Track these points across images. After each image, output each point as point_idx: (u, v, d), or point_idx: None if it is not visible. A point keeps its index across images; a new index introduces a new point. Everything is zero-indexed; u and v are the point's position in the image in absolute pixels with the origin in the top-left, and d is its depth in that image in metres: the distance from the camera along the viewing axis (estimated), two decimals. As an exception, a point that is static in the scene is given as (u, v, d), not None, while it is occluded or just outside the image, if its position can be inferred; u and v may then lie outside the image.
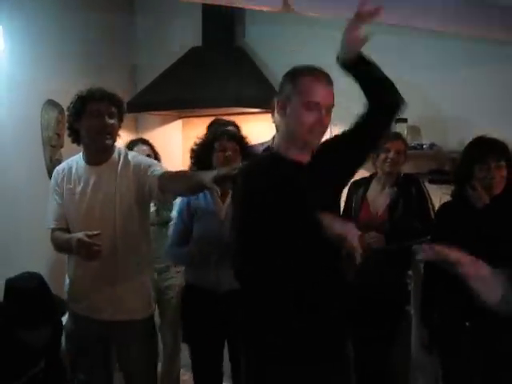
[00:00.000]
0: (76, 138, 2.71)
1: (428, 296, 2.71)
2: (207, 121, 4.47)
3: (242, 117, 4.67)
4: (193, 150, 3.05)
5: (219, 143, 2.88)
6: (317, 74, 1.95)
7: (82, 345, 2.73)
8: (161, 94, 4.81)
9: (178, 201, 3.16)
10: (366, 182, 3.41)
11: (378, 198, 3.29)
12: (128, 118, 5.19)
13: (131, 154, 2.76)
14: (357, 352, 3.16)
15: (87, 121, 2.60)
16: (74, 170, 2.72)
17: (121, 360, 2.82)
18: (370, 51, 4.18)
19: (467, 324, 2.51)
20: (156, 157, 3.73)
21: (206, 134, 3.07)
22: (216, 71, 4.62)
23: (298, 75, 1.97)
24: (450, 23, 3.25)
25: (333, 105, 1.96)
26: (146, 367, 2.76)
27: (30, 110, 4.17)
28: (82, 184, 2.66)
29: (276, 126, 3.14)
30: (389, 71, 4.18)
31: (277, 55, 4.69)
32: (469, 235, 2.50)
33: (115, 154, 2.70)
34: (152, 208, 3.29)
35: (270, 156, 2.13)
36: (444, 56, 4.06)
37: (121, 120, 2.69)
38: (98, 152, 2.66)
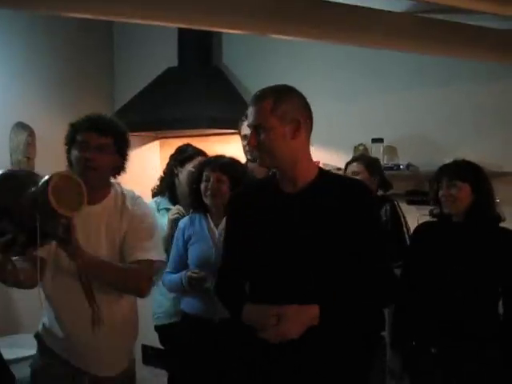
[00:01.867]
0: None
1: (399, 322, 2.68)
2: (184, 141, 4.43)
3: (219, 137, 4.64)
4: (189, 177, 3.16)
5: (205, 173, 2.89)
6: (252, 96, 1.94)
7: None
8: (136, 114, 4.76)
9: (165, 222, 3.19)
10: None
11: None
12: (104, 139, 5.25)
13: (131, 200, 2.38)
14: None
15: (74, 152, 2.29)
16: None
17: None
18: (345, 71, 4.28)
19: (433, 350, 2.49)
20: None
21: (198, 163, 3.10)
22: (192, 91, 4.59)
23: None
24: (424, 43, 3.24)
25: (259, 123, 1.86)
26: None
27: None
28: (79, 225, 2.15)
29: (245, 152, 3.32)
30: (364, 91, 4.28)
31: (255, 76, 4.68)
32: (447, 251, 2.51)
33: (112, 194, 2.35)
34: None
35: (268, 180, 2.11)
36: (420, 75, 4.06)
37: (121, 154, 2.35)
38: (92, 189, 2.15)
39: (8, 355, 2.89)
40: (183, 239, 2.93)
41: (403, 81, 4.12)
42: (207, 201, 2.86)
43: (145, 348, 4.34)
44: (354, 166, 3.30)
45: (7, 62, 4.37)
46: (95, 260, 2.20)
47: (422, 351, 2.53)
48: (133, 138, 5.06)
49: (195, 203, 2.95)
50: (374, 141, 4.04)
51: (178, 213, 3.20)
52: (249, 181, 2.86)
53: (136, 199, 2.40)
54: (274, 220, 1.90)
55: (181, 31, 4.79)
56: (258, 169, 3.35)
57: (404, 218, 3.24)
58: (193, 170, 3.23)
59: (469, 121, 3.88)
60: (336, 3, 3.02)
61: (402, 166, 3.96)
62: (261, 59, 4.68)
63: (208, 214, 2.91)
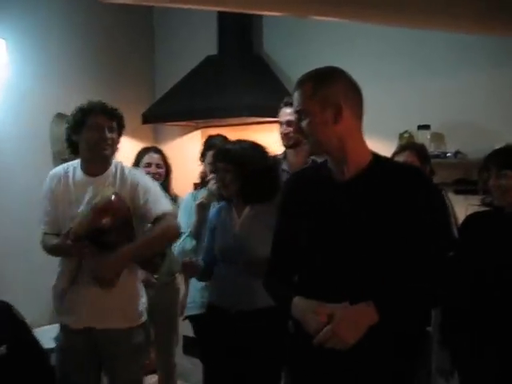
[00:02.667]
0: (74, 150, 2.76)
1: (449, 319, 2.54)
2: (225, 130, 4.39)
3: (260, 126, 4.57)
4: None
5: (215, 164, 2.89)
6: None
7: (74, 359, 2.73)
8: (176, 104, 4.75)
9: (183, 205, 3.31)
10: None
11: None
12: (146, 129, 5.28)
13: (128, 170, 2.82)
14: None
15: (87, 133, 2.67)
16: (70, 177, 2.74)
17: (109, 372, 2.83)
18: (389, 56, 4.15)
19: (486, 348, 2.34)
20: (167, 168, 3.66)
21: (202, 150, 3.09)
22: (232, 80, 4.53)
23: None
24: (471, 21, 3.10)
25: (301, 109, 1.80)
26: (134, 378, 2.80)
27: (39, 124, 4.16)
28: (78, 193, 2.68)
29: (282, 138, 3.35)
30: (408, 77, 4.14)
31: (296, 64, 4.59)
32: (500, 245, 2.36)
33: (112, 167, 2.76)
34: None
35: (318, 166, 2.00)
36: (467, 57, 3.89)
37: (120, 134, 2.78)
38: (97, 164, 2.73)
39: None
40: (210, 228, 2.93)
41: (449, 64, 3.96)
42: (221, 191, 2.86)
43: (185, 338, 4.33)
44: (406, 156, 3.11)
45: (45, 51, 4.39)
46: (133, 251, 2.63)
47: (475, 349, 2.40)
48: (174, 127, 5.25)
49: (219, 194, 2.94)
50: (420, 127, 3.90)
51: (203, 198, 3.24)
52: (278, 166, 2.99)
53: (131, 169, 2.87)
54: (325, 211, 1.82)
55: (220, 19, 4.74)
56: (295, 155, 3.30)
57: (452, 208, 3.11)
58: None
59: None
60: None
61: (449, 154, 3.82)
62: (302, 46, 4.58)
63: (232, 204, 2.87)
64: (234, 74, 4.61)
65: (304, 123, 1.78)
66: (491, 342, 2.35)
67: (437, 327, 2.65)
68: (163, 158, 3.72)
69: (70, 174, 2.75)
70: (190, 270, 2.88)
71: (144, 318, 2.82)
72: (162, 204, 2.76)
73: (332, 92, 1.77)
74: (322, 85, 1.77)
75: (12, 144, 4.10)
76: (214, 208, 3.10)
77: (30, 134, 4.18)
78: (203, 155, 3.56)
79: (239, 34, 4.77)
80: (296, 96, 1.81)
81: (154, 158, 3.66)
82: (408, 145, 3.27)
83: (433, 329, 2.91)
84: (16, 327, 2.73)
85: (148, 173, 3.51)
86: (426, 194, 1.79)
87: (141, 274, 3.18)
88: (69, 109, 2.91)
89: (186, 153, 5.18)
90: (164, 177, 3.69)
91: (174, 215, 2.94)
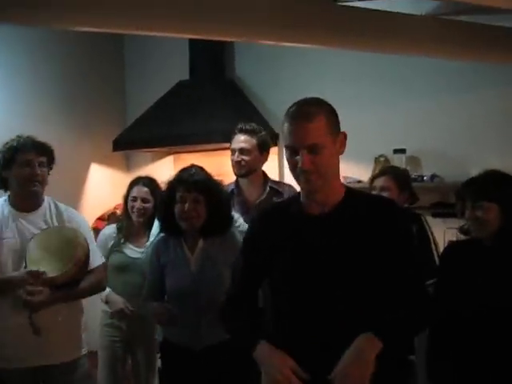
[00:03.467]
0: (3, 186, 2.76)
1: (436, 347, 2.42)
2: (198, 156, 4.30)
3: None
4: (160, 197, 2.87)
5: (178, 194, 2.62)
6: (291, 114, 1.73)
7: None
8: (148, 130, 4.68)
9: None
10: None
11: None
12: (118, 155, 5.18)
13: (64, 208, 2.84)
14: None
15: (17, 169, 2.67)
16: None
17: None
18: (363, 80, 4.14)
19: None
20: (155, 201, 3.42)
21: (169, 182, 2.81)
22: (205, 105, 4.48)
23: (284, 117, 1.76)
24: (448, 47, 3.08)
25: (315, 143, 1.68)
26: None
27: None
28: (12, 231, 2.67)
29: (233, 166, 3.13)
30: (383, 100, 4.13)
31: (269, 87, 4.56)
32: (477, 274, 2.27)
33: (45, 203, 2.78)
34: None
35: (291, 200, 1.91)
36: (442, 82, 3.90)
37: (50, 169, 2.77)
38: (27, 200, 2.73)
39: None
40: (159, 263, 2.71)
41: (425, 89, 3.97)
42: (183, 224, 2.62)
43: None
44: (383, 181, 3.03)
45: (14, 79, 4.30)
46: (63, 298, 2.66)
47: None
48: (146, 153, 5.16)
49: (169, 226, 2.70)
50: (396, 151, 3.88)
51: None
52: (228, 196, 2.85)
53: (66, 207, 2.85)
54: (304, 244, 1.74)
55: (192, 44, 4.70)
56: (249, 184, 3.16)
57: (432, 233, 3.04)
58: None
59: (496, 128, 3.72)
60: (353, 7, 2.88)
61: (426, 178, 3.80)
62: (275, 70, 4.55)
63: (182, 239, 2.68)
64: (207, 99, 4.56)
65: (318, 158, 1.67)
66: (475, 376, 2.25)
67: (422, 357, 2.54)
68: (152, 193, 3.42)
69: None
70: (161, 319, 2.73)
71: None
72: (97, 256, 2.81)
73: (337, 120, 1.73)
74: (332, 115, 1.72)
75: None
76: (154, 241, 2.89)
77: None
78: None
79: (211, 58, 4.74)
80: (305, 130, 1.68)
81: (142, 191, 3.40)
82: (386, 169, 3.20)
83: (417, 359, 2.83)
84: None
85: (132, 207, 3.36)
86: (400, 225, 1.77)
87: (116, 305, 3.25)
88: (39, 136, 2.84)
89: (159, 179, 5.08)
90: (151, 212, 3.36)
91: (104, 267, 2.96)
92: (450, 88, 3.86)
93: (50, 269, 2.56)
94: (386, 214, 1.75)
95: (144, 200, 3.37)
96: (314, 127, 1.67)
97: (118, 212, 4.35)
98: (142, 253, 3.27)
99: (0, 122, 4.12)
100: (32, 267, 2.54)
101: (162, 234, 2.77)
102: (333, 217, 1.73)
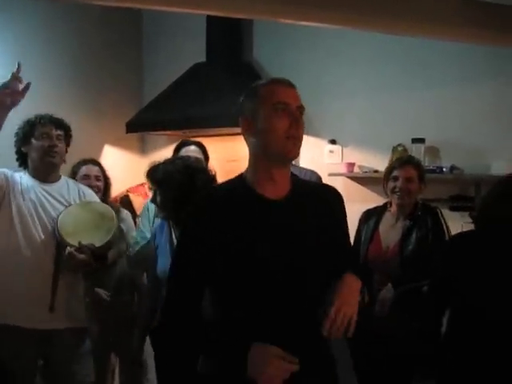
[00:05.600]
0: (23, 162, 2.88)
1: (443, 356, 2.34)
2: (213, 140, 4.23)
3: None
4: None
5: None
6: (275, 79, 1.74)
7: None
8: (163, 112, 4.61)
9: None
10: (378, 213, 3.09)
11: (390, 231, 2.97)
12: (133, 138, 5.13)
13: (81, 185, 3.04)
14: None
15: (36, 142, 2.80)
16: (19, 183, 2.81)
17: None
18: (384, 67, 4.02)
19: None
20: (106, 181, 3.46)
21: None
22: (221, 88, 4.39)
23: (256, 87, 1.73)
24: (470, 30, 2.96)
25: (303, 107, 1.70)
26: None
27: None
28: (30, 196, 2.78)
29: None
30: (402, 89, 4.01)
31: (286, 71, 4.44)
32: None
33: (63, 179, 2.93)
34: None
35: (237, 184, 1.78)
36: (464, 69, 3.77)
37: (67, 145, 2.90)
38: (45, 171, 2.85)
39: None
40: (154, 245, 2.76)
41: (445, 76, 3.83)
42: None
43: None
44: (408, 171, 2.97)
45: (28, 60, 4.22)
46: None
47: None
48: (161, 136, 5.10)
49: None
50: (415, 141, 3.76)
51: None
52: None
53: (85, 186, 3.06)
54: (264, 231, 1.67)
55: (209, 26, 4.61)
56: None
57: (447, 227, 2.95)
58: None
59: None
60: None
61: (444, 169, 3.68)
62: (292, 53, 4.44)
63: (171, 222, 2.66)
64: (223, 82, 4.48)
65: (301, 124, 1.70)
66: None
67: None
68: (102, 171, 3.49)
69: (17, 180, 2.80)
70: None
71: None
72: None
73: None
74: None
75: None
76: (157, 222, 2.91)
77: (7, 145, 4.00)
78: None
79: (228, 40, 4.64)
80: (295, 93, 1.71)
81: (92, 169, 3.43)
82: (409, 159, 3.11)
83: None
84: None
85: (87, 186, 3.31)
86: (342, 206, 1.85)
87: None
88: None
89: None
90: (103, 190, 3.43)
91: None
92: (471, 77, 3.72)
93: (88, 240, 2.73)
94: (332, 198, 1.82)
95: (97, 178, 3.42)
96: (297, 93, 1.71)
97: (131, 196, 4.32)
98: None
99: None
100: (69, 240, 2.70)
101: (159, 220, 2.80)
102: (290, 202, 1.71)
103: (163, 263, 2.57)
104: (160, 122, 4.68)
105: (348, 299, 1.69)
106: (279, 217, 1.69)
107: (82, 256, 2.69)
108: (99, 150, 4.85)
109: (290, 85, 1.71)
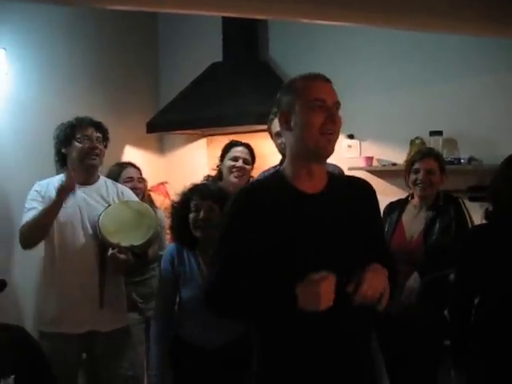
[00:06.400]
0: (63, 163, 2.94)
1: (462, 340, 2.37)
2: (231, 138, 4.27)
3: (265, 134, 4.47)
4: (172, 207, 2.81)
5: (193, 203, 2.63)
6: (312, 75, 1.78)
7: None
8: (182, 112, 4.67)
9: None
10: (401, 205, 3.15)
11: (414, 222, 3.03)
12: (151, 138, 5.20)
13: (119, 185, 3.10)
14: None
15: (77, 144, 2.87)
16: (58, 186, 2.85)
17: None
18: (401, 61, 4.06)
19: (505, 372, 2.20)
20: (144, 182, 3.64)
21: (183, 192, 2.78)
22: (238, 87, 4.46)
23: (293, 82, 1.80)
24: (485, 24, 3.00)
25: (339, 102, 1.75)
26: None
27: (40, 135, 4.00)
28: (72, 199, 2.83)
29: (280, 150, 2.90)
30: (418, 82, 4.05)
31: (302, 69, 4.46)
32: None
33: (101, 180, 3.00)
34: None
35: (275, 178, 1.84)
36: (481, 62, 3.81)
37: (106, 147, 2.98)
38: (85, 173, 2.91)
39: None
40: (174, 273, 2.67)
41: (461, 69, 3.88)
42: (197, 233, 2.61)
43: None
44: (429, 163, 3.03)
45: (48, 62, 4.32)
46: None
47: (492, 372, 2.25)
48: (179, 136, 5.17)
49: (183, 236, 2.68)
50: (433, 133, 3.80)
51: None
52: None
53: (123, 186, 3.15)
54: (303, 224, 1.72)
55: (225, 25, 4.66)
56: None
57: (470, 217, 3.00)
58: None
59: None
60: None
61: (463, 160, 3.73)
62: (308, 52, 4.49)
63: (197, 250, 2.66)
64: (240, 81, 4.54)
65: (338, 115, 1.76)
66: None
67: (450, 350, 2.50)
68: (140, 173, 3.63)
69: (53, 189, 2.84)
70: None
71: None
72: None
73: None
74: None
75: (12, 155, 4.00)
76: (167, 250, 2.84)
77: (32, 146, 4.08)
78: (222, 158, 3.45)
79: (244, 40, 4.70)
80: (331, 88, 1.77)
81: (133, 172, 3.57)
82: (430, 151, 3.17)
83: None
84: (29, 356, 2.60)
85: (131, 188, 3.41)
86: (376, 199, 1.87)
87: None
88: (73, 118, 2.94)
89: (192, 161, 5.10)
90: (143, 192, 3.58)
91: None
92: (489, 69, 3.76)
93: (130, 238, 2.80)
94: (367, 192, 1.85)
95: (139, 180, 3.57)
96: (333, 88, 1.76)
97: (152, 195, 4.40)
98: None
99: (36, 102, 4.15)
100: (110, 239, 2.77)
101: (174, 244, 2.76)
102: (329, 194, 1.76)
103: (195, 293, 2.56)
104: (179, 122, 4.75)
105: (377, 274, 1.68)
106: (317, 210, 1.73)
107: (122, 256, 2.78)
108: (121, 151, 4.93)
109: (326, 80, 1.75)
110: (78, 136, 2.86)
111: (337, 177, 1.90)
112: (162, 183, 4.94)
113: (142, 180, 3.59)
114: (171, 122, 4.78)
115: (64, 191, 2.73)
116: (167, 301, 2.72)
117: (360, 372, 1.77)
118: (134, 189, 3.38)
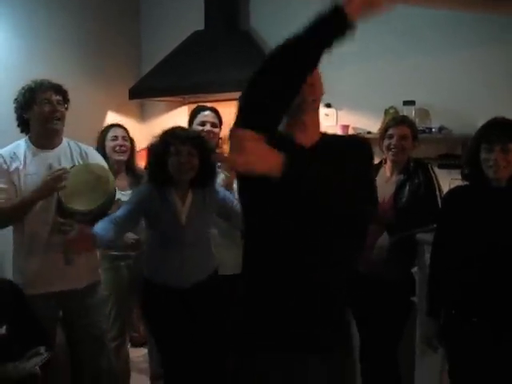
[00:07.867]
0: (25, 128, 2.88)
1: (435, 289, 2.58)
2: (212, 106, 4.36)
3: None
4: (149, 150, 2.93)
5: (173, 147, 2.77)
6: None
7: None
8: (163, 79, 4.74)
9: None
10: (375, 169, 3.28)
11: (386, 185, 3.17)
12: (132, 104, 5.27)
13: (83, 145, 3.02)
14: (364, 346, 3.15)
15: (38, 108, 2.80)
16: (21, 153, 2.83)
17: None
18: (375, 32, 4.16)
19: (474, 320, 2.38)
20: (131, 142, 3.68)
21: (161, 135, 2.88)
22: (219, 55, 4.53)
23: None
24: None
25: None
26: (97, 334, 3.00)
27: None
28: (35, 166, 2.81)
29: None
30: (392, 53, 4.15)
31: (283, 39, 4.58)
32: (485, 218, 2.37)
33: (64, 142, 2.94)
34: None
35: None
36: (453, 35, 3.92)
37: (66, 108, 2.91)
38: (48, 137, 2.87)
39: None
40: (140, 209, 2.82)
41: (435, 40, 3.99)
42: (177, 175, 2.78)
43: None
44: (402, 129, 3.12)
45: (32, 26, 4.35)
46: None
47: (462, 320, 2.42)
48: (160, 103, 5.24)
49: (160, 176, 2.82)
50: (406, 103, 3.94)
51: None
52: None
53: (87, 146, 3.05)
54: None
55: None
56: None
57: (437, 181, 3.16)
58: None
59: (504, 82, 3.75)
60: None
61: (434, 129, 3.87)
62: (289, 22, 4.45)
63: (173, 190, 2.82)
64: (221, 50, 4.61)
65: None
66: (479, 315, 2.37)
67: (423, 298, 2.69)
68: (127, 132, 3.67)
69: (21, 151, 2.83)
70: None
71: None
72: None
73: None
74: None
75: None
76: (140, 188, 3.01)
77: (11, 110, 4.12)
78: (190, 123, 3.55)
79: (226, 9, 4.76)
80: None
81: (119, 131, 3.62)
82: (403, 118, 3.29)
83: (418, 299, 2.98)
84: (18, 307, 2.73)
85: (115, 146, 3.53)
86: (370, 151, 1.94)
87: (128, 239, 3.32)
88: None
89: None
90: (129, 153, 3.64)
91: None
92: (461, 41, 3.89)
93: (85, 202, 2.74)
94: (361, 146, 1.93)
95: (124, 138, 3.60)
96: None
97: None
98: (124, 195, 3.35)
99: (17, 69, 4.20)
100: (66, 201, 2.72)
101: (147, 185, 2.89)
102: (322, 146, 1.87)
103: (169, 230, 2.84)
104: (161, 89, 4.81)
105: None
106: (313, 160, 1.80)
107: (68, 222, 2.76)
108: (103, 117, 5.00)
109: None
110: (37, 100, 2.79)
111: (331, 134, 1.98)
112: (144, 149, 5.01)
113: (128, 139, 3.65)
114: (153, 89, 4.84)
115: (48, 190, 2.72)
116: (124, 227, 2.82)
117: (334, 318, 1.84)
118: (119, 146, 3.52)
